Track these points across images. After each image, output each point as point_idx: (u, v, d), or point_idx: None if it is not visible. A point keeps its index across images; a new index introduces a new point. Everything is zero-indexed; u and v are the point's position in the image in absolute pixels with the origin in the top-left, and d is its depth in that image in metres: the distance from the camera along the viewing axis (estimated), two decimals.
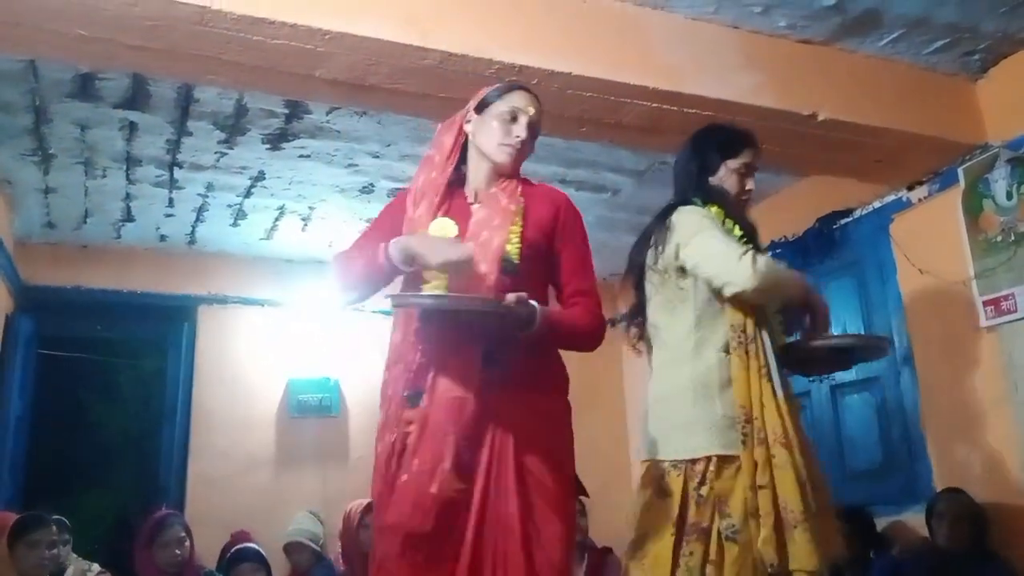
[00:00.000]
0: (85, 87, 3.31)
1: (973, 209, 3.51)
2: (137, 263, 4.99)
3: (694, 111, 3.10)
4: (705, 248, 2.29)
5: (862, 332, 3.88)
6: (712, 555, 2.14)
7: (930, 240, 3.71)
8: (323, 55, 2.66)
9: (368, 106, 3.33)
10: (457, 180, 2.10)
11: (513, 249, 1.95)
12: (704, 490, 2.18)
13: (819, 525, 2.14)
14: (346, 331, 5.26)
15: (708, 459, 2.20)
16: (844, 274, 4.17)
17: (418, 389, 1.90)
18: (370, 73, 2.77)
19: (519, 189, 2.06)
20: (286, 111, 3.56)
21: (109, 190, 4.27)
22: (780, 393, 2.23)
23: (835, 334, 2.58)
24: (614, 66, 2.93)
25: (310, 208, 4.60)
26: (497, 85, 2.15)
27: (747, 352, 2.25)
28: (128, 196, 4.36)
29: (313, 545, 4.37)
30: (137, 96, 3.39)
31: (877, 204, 3.99)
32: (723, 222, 2.40)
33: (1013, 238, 3.34)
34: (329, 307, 5.24)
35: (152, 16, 2.43)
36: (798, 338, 2.43)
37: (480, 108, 2.09)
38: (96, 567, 3.57)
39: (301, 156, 3.98)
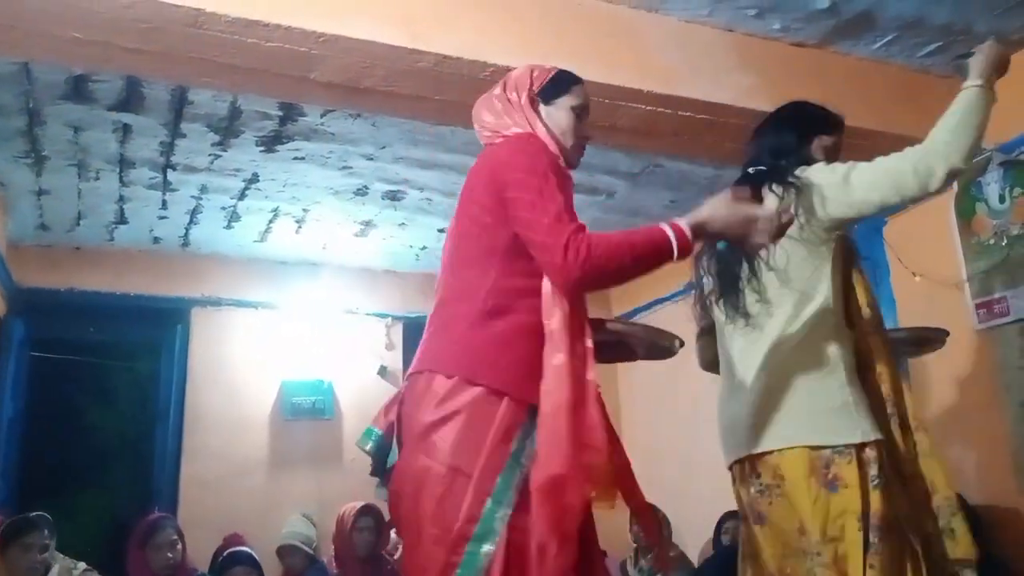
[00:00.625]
0: (79, 89, 3.30)
1: (966, 212, 3.52)
2: (130, 265, 4.98)
3: (688, 114, 3.11)
4: (871, 171, 2.08)
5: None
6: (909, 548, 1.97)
7: (923, 243, 3.72)
8: (317, 57, 2.66)
9: (362, 108, 3.32)
10: None
11: None
12: (880, 477, 1.96)
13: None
14: (340, 334, 5.27)
15: (877, 443, 1.99)
16: None
17: None
18: (364, 76, 2.77)
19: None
20: (280, 113, 3.56)
21: (102, 192, 4.26)
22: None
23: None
24: (608, 69, 2.93)
25: (304, 210, 4.60)
26: (557, 71, 1.97)
27: (880, 333, 2.12)
28: (121, 198, 4.35)
29: (306, 548, 4.37)
30: (131, 98, 3.38)
31: None
32: None
33: (1006, 241, 3.35)
34: (322, 310, 5.24)
35: (146, 19, 2.42)
36: None
37: (547, 97, 1.93)
38: (82, 565, 3.57)
39: (295, 158, 3.97)
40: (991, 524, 3.31)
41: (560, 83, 1.96)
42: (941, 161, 2.02)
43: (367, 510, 4.19)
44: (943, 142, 2.04)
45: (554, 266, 1.66)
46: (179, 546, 3.85)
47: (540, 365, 1.69)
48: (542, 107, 1.93)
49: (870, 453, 1.97)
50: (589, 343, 1.74)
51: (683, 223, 1.70)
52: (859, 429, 1.98)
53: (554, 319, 1.70)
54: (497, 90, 1.97)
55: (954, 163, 2.01)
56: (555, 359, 1.67)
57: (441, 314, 1.83)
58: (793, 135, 2.28)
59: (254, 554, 4.10)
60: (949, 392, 3.57)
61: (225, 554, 4.10)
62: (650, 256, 1.69)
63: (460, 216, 1.88)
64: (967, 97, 2.12)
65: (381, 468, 1.88)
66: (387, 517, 4.48)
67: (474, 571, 1.58)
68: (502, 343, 1.73)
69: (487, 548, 1.59)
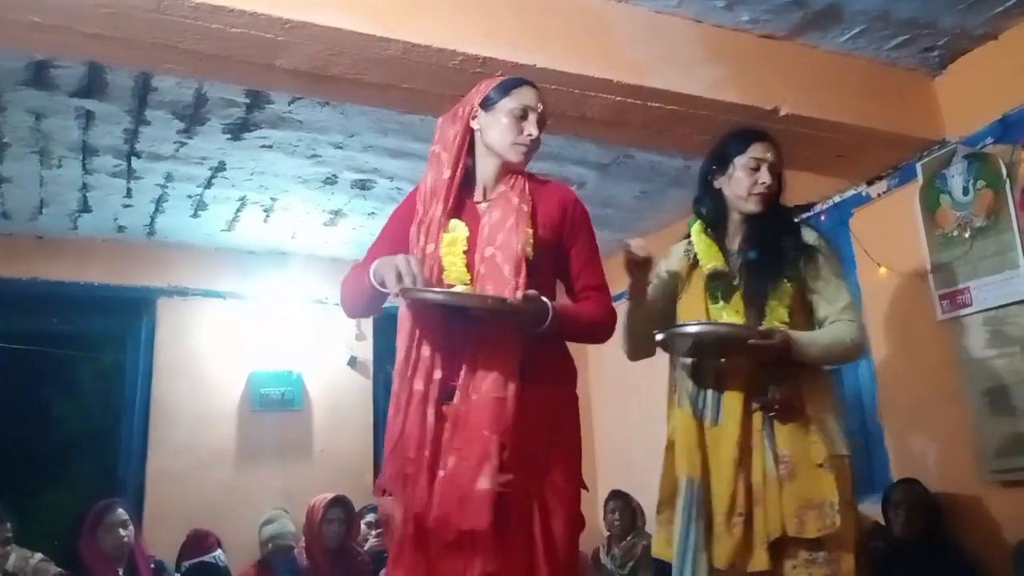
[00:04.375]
0: (39, 75, 3.23)
1: (930, 204, 3.56)
2: (95, 255, 4.90)
3: (657, 105, 3.12)
4: None
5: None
6: None
7: (889, 235, 3.76)
8: (283, 44, 2.62)
9: (330, 97, 3.29)
10: (464, 178, 2.06)
11: (528, 249, 1.94)
12: None
13: None
14: (309, 324, 5.23)
15: None
16: None
17: (448, 385, 1.90)
18: (332, 63, 2.74)
19: (527, 187, 2.04)
20: (247, 101, 3.51)
21: (65, 180, 4.19)
22: None
23: None
24: (578, 59, 2.93)
25: (272, 199, 4.55)
26: (500, 80, 2.10)
27: None
28: (85, 186, 4.28)
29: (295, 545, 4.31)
30: (93, 85, 3.32)
31: (837, 199, 4.04)
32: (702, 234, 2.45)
33: (969, 233, 3.40)
34: (291, 300, 5.20)
35: (107, 3, 2.38)
36: None
37: (487, 104, 2.05)
38: (39, 555, 3.53)
39: (263, 146, 3.93)
40: (952, 512, 3.37)
41: (500, 88, 2.06)
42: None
43: (337, 502, 4.17)
44: None
45: None
46: (129, 526, 3.78)
47: None
48: (483, 115, 2.05)
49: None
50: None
51: None
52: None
53: None
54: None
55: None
56: None
57: None
58: (705, 167, 2.51)
59: (219, 560, 4.06)
60: (912, 382, 3.62)
61: (190, 565, 4.04)
62: (361, 293, 2.01)
63: None
64: None
65: None
66: (357, 508, 4.50)
67: None
68: None
69: None
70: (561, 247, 2.05)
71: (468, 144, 2.06)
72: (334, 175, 4.28)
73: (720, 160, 2.45)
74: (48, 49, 2.86)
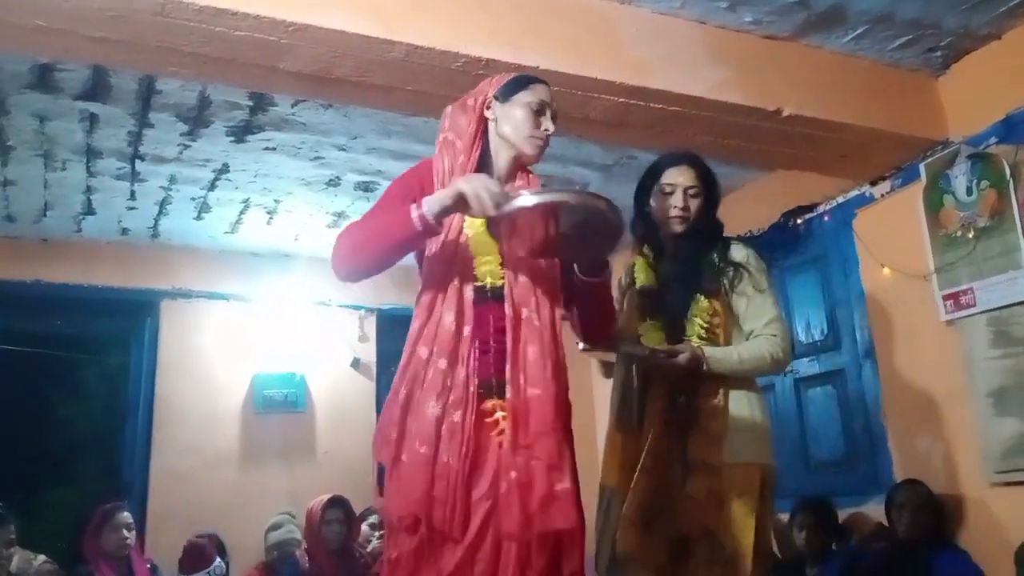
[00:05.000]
0: (44, 78, 3.24)
1: (934, 204, 3.56)
2: (99, 257, 4.91)
3: (660, 106, 3.12)
4: None
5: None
6: None
7: (892, 235, 3.76)
8: (287, 47, 2.63)
9: (334, 99, 3.29)
10: (480, 165, 2.02)
11: None
12: None
13: None
14: (312, 326, 5.23)
15: None
16: (808, 269, 4.21)
17: (492, 379, 1.84)
18: (335, 66, 2.75)
19: (539, 184, 2.05)
20: (250, 103, 3.52)
21: (69, 183, 4.20)
22: None
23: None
24: (581, 60, 2.93)
25: (276, 201, 4.56)
26: (515, 75, 2.09)
27: None
28: (89, 189, 4.29)
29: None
30: (97, 88, 3.33)
31: (840, 199, 4.04)
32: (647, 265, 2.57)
33: (972, 233, 3.39)
34: (295, 302, 5.20)
35: (112, 7, 2.39)
36: None
37: (503, 96, 2.03)
38: (41, 557, 3.56)
39: (266, 149, 3.94)
40: (956, 513, 3.37)
41: (517, 82, 2.05)
42: None
43: (335, 502, 4.16)
44: None
45: None
46: (133, 531, 3.89)
47: None
48: (498, 106, 2.03)
49: None
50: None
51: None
52: None
53: None
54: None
55: None
56: None
57: None
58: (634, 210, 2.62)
59: (218, 571, 4.07)
60: (916, 383, 3.62)
61: None
62: (394, 231, 1.85)
63: None
64: None
65: None
66: (359, 510, 4.49)
67: None
68: None
69: None
70: None
71: (482, 133, 2.04)
72: (337, 177, 4.28)
73: (643, 186, 2.61)
74: (52, 52, 2.86)
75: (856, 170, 3.80)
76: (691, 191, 2.51)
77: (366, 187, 4.40)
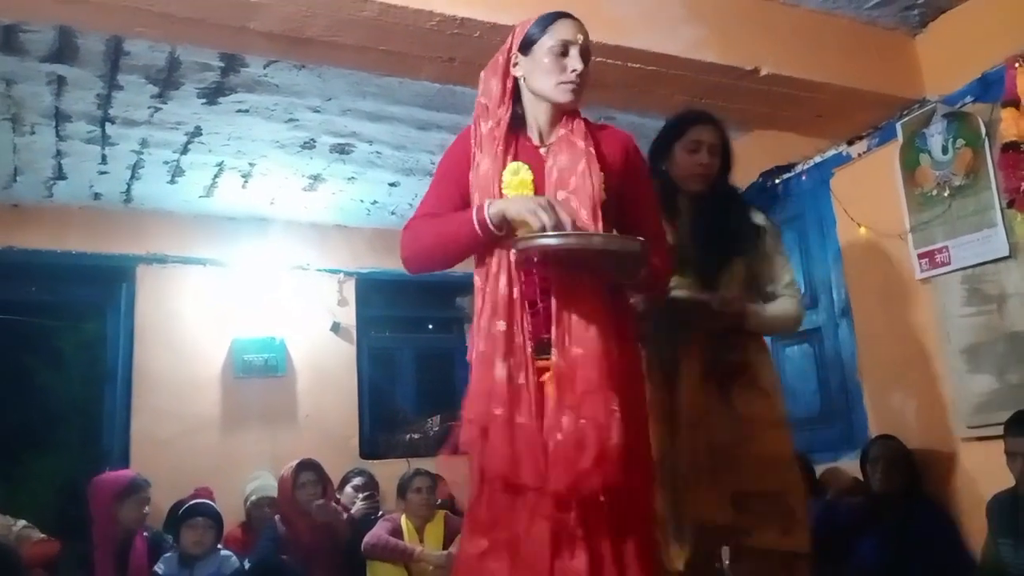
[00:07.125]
0: (9, 40, 3.16)
1: (910, 164, 3.57)
2: (71, 223, 4.83)
3: (638, 65, 3.09)
4: None
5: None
6: None
7: (868, 194, 3.77)
8: (256, 6, 2.58)
9: (306, 59, 3.23)
10: (515, 122, 1.97)
11: (602, 194, 1.88)
12: None
13: None
14: (290, 290, 5.20)
15: None
16: (786, 228, 4.17)
17: (543, 339, 1.84)
18: (307, 25, 2.70)
19: (587, 129, 1.98)
20: (221, 64, 3.45)
21: (39, 147, 4.12)
22: None
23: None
24: None
25: (250, 164, 4.50)
26: (535, 17, 1.98)
27: None
28: (59, 153, 4.21)
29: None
30: (64, 49, 3.25)
31: (818, 159, 4.04)
32: None
33: (948, 192, 3.41)
34: (272, 266, 5.17)
35: None
36: None
37: (525, 47, 1.95)
38: (22, 522, 3.55)
39: (239, 111, 3.88)
40: (929, 467, 3.43)
41: (536, 26, 1.97)
42: None
43: (305, 465, 4.17)
44: None
45: None
46: (147, 511, 3.87)
47: None
48: (523, 60, 1.97)
49: None
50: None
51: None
52: None
53: None
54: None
55: None
56: None
57: None
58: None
59: (214, 506, 4.06)
60: (892, 340, 3.66)
61: (185, 507, 4.05)
62: (460, 237, 1.89)
63: None
64: None
65: None
66: (343, 472, 4.48)
67: None
68: None
69: None
70: (623, 193, 1.98)
71: (514, 93, 1.98)
72: (312, 139, 4.23)
73: (664, 143, 2.58)
74: (15, 13, 2.80)
75: (833, 129, 3.80)
76: (715, 149, 2.54)
77: (342, 149, 4.35)
